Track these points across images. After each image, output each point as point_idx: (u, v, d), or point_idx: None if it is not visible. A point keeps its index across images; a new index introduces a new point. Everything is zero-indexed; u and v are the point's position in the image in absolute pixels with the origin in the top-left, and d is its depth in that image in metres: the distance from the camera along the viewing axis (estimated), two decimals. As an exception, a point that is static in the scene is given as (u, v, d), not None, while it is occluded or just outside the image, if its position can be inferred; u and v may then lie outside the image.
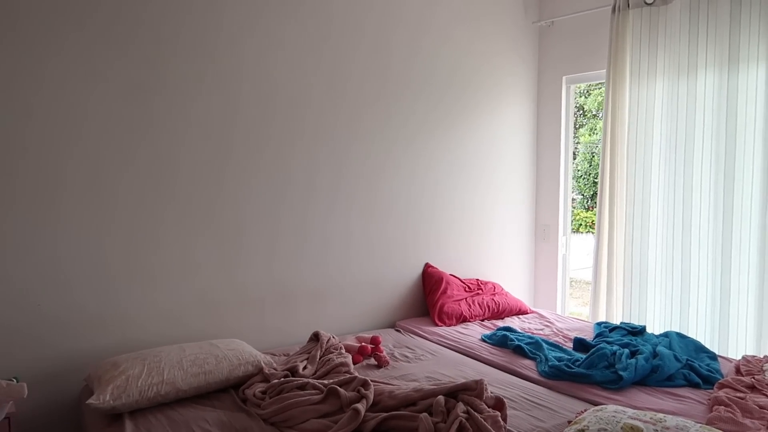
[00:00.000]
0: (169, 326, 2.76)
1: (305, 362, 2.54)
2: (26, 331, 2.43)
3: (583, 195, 11.79)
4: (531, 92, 4.12)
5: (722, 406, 2.07)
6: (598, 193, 3.61)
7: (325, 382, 2.23)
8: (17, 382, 2.25)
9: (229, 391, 2.38)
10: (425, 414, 1.91)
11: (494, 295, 3.63)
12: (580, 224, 11.40)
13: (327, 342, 2.70)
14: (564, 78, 3.99)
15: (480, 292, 3.64)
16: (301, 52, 3.07)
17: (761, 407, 2.05)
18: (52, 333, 2.49)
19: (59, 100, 2.44)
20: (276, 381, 2.28)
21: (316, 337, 2.77)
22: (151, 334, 2.72)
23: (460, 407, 1.94)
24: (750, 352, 3.04)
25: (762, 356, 2.60)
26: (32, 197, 2.41)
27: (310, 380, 2.25)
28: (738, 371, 2.47)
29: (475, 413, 1.91)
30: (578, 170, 11.65)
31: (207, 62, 2.78)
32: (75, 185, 2.50)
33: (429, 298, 3.53)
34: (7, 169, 2.36)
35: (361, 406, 2.00)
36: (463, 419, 1.88)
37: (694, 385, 2.38)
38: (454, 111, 3.72)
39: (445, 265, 3.75)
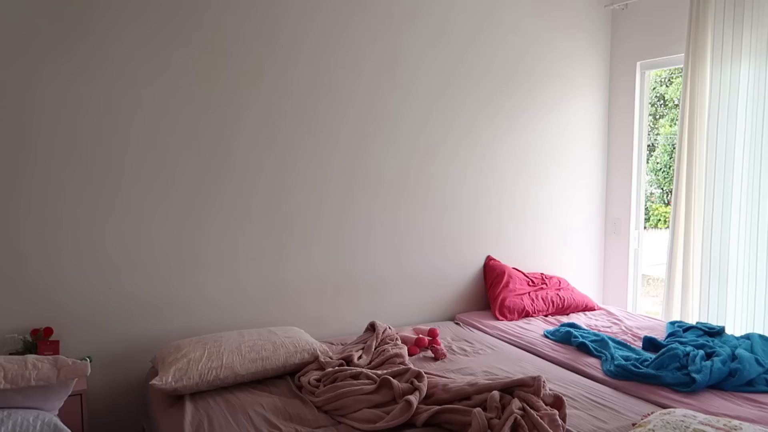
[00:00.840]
0: (228, 315, 2.84)
1: (360, 352, 2.53)
2: (98, 314, 2.56)
3: (662, 189, 11.22)
4: (603, 79, 3.93)
5: (809, 416, 1.89)
6: (674, 186, 3.40)
7: (379, 372, 2.22)
8: (90, 361, 2.39)
9: (286, 377, 2.41)
10: (479, 409, 1.86)
11: (559, 290, 3.50)
12: (659, 219, 10.86)
13: (383, 332, 2.68)
14: (638, 64, 3.78)
15: (544, 286, 3.52)
16: (367, 47, 3.06)
17: None
18: (121, 316, 2.61)
19: (119, 88, 2.54)
20: (330, 369, 2.29)
21: (372, 328, 2.77)
22: (213, 319, 2.80)
23: (516, 404, 1.87)
24: None
25: None
26: (99, 187, 2.54)
27: (364, 370, 2.25)
28: (829, 379, 2.26)
29: (531, 410, 1.84)
30: (657, 163, 11.09)
31: (269, 56, 2.82)
32: (142, 176, 2.61)
33: (490, 291, 3.45)
34: (73, 157, 2.48)
35: (414, 398, 1.98)
36: (518, 416, 1.81)
37: (778, 392, 2.20)
38: (521, 100, 3.60)
39: (507, 259, 3.65)
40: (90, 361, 2.39)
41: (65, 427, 1.66)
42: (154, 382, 2.15)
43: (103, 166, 2.54)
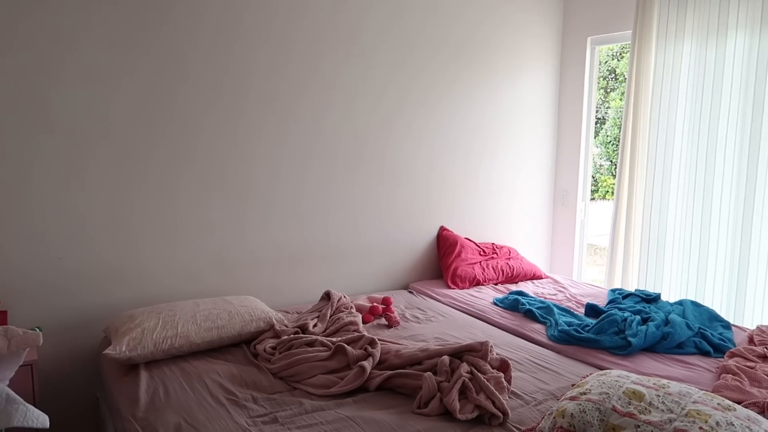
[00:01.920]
0: (185, 282, 2.83)
1: (315, 320, 2.58)
2: (48, 283, 2.52)
3: (611, 161, 11.56)
4: (554, 54, 4.01)
5: (730, 375, 2.06)
6: (619, 159, 3.54)
7: (334, 339, 2.28)
8: (40, 331, 2.35)
9: (241, 345, 2.44)
10: (429, 373, 1.94)
11: (509, 259, 3.63)
12: (607, 191, 11.22)
13: (338, 301, 2.74)
14: (589, 39, 3.87)
15: (495, 256, 3.63)
16: (318, 12, 3.02)
17: (770, 377, 2.03)
18: (73, 285, 2.57)
19: (89, 65, 2.47)
20: (286, 337, 2.33)
21: (327, 296, 2.81)
22: (168, 289, 2.79)
23: (464, 367, 1.96)
24: (766, 323, 3.00)
25: (777, 327, 2.56)
26: (57, 153, 2.47)
27: (319, 337, 2.30)
28: (751, 341, 2.45)
29: (479, 374, 1.93)
30: (608, 136, 11.39)
31: (236, 30, 2.77)
32: (102, 144, 2.55)
33: (443, 260, 3.54)
34: (36, 126, 2.41)
35: (367, 364, 2.04)
36: (467, 379, 1.90)
37: (705, 354, 2.37)
38: (474, 73, 3.64)
39: (460, 229, 3.74)
40: (40, 332, 2.37)
41: (17, 396, 1.66)
42: (108, 351, 2.14)
43: (50, 133, 2.46)
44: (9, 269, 2.43)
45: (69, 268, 2.55)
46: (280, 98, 2.98)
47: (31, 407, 1.64)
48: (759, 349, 2.28)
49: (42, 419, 1.64)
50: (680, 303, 2.84)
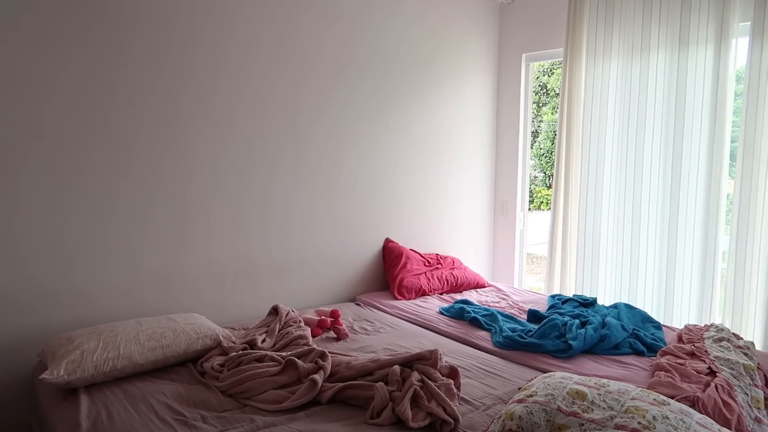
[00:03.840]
0: (125, 302, 2.73)
1: (264, 335, 2.56)
2: (-24, 306, 2.38)
3: (545, 173, 12.00)
4: (492, 70, 4.16)
5: (663, 372, 2.18)
6: (554, 170, 3.70)
7: (284, 354, 2.26)
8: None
9: (187, 364, 2.38)
10: (381, 383, 1.96)
11: (453, 269, 3.70)
12: (542, 201, 11.62)
13: (286, 315, 2.72)
14: (523, 56, 4.04)
15: (439, 266, 3.70)
16: (267, 30, 3.02)
17: (698, 372, 2.17)
18: (4, 308, 2.44)
19: (14, 78, 2.36)
20: (234, 354, 2.29)
21: (275, 311, 2.79)
22: (107, 309, 2.69)
23: (415, 376, 1.99)
24: (692, 322, 3.19)
25: (703, 325, 2.74)
26: (-21, 170, 2.34)
27: (269, 353, 2.28)
28: (680, 339, 2.60)
29: (429, 381, 1.97)
30: (540, 149, 11.83)
31: (170, 45, 2.72)
32: (29, 159, 2.43)
33: (389, 272, 3.58)
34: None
35: (319, 377, 2.04)
36: (418, 387, 1.93)
37: (639, 353, 2.50)
38: (416, 89, 3.73)
39: (405, 241, 3.80)
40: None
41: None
42: (45, 376, 2.04)
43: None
44: (-68, 293, 2.28)
45: (-1, 291, 2.42)
46: (219, 110, 2.95)
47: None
48: (687, 347, 2.43)
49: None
50: (615, 306, 2.99)
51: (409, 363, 2.10)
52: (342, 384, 2.03)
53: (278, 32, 3.09)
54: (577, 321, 2.68)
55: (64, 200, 2.54)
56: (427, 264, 3.68)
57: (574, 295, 3.22)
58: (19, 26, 2.37)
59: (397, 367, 2.04)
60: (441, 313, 3.13)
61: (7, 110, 2.37)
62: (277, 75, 3.11)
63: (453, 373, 2.09)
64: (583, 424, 1.62)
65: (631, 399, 1.72)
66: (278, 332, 2.58)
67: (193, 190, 2.89)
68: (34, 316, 2.51)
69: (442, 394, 1.90)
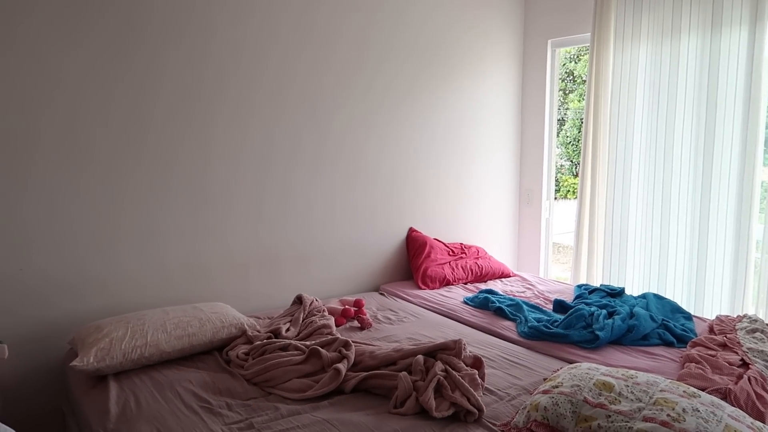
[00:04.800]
0: (152, 291, 2.78)
1: (288, 324, 2.57)
2: (9, 295, 2.44)
3: (572, 161, 11.83)
4: (516, 57, 4.09)
5: (693, 363, 2.13)
6: (581, 158, 3.63)
7: (307, 343, 2.27)
8: (1, 344, 2.28)
9: (213, 353, 2.41)
10: (404, 373, 1.96)
11: (477, 258, 3.67)
12: (568, 190, 11.47)
13: (310, 305, 2.73)
14: (549, 42, 3.96)
15: (463, 255, 3.68)
16: (286, 18, 3.01)
17: (730, 364, 2.12)
18: (35, 297, 2.50)
19: (33, 61, 2.40)
20: (259, 342, 2.31)
21: (299, 300, 2.80)
22: (135, 298, 2.73)
23: (439, 366, 1.98)
24: (724, 312, 3.12)
25: (735, 316, 2.67)
26: (10, 162, 2.39)
27: (293, 341, 2.29)
28: (711, 330, 2.54)
29: (453, 371, 1.95)
30: (567, 136, 11.66)
31: (190, 35, 2.73)
32: (56, 149, 2.48)
33: (413, 262, 3.56)
34: (-17, 132, 2.33)
35: (342, 366, 2.04)
36: (441, 377, 1.92)
37: (669, 344, 2.45)
38: (440, 77, 3.69)
39: (429, 230, 3.77)
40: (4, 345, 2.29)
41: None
42: (75, 363, 2.09)
43: (14, 140, 2.38)
44: (-33, 282, 2.35)
45: (31, 280, 2.48)
46: (239, 99, 2.95)
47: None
48: (719, 338, 2.37)
49: (8, 435, 1.59)
50: (643, 296, 2.93)
51: (433, 353, 2.09)
52: (365, 373, 2.03)
53: (296, 19, 3.07)
54: (604, 311, 2.64)
55: (93, 192, 2.58)
56: (451, 253, 3.65)
57: (601, 285, 3.16)
58: (37, 16, 2.40)
59: (420, 357, 2.03)
60: (465, 302, 3.11)
61: (31, 100, 2.41)
62: (296, 63, 3.10)
63: (477, 363, 2.07)
64: (610, 416, 1.59)
65: (660, 391, 1.69)
66: (302, 321, 2.60)
67: (217, 179, 2.91)
68: (64, 305, 2.56)
69: (466, 384, 1.89)
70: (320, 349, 2.16)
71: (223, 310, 2.53)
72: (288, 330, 2.52)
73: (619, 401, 1.67)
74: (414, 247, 3.61)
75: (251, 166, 3.01)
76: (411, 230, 3.68)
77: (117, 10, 2.55)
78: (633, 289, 3.49)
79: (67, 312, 2.58)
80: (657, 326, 2.54)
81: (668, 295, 3.30)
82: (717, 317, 2.63)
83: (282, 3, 3.00)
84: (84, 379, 2.20)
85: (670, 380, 1.80)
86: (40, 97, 2.43)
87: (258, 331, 2.48)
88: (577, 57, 11.19)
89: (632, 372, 1.86)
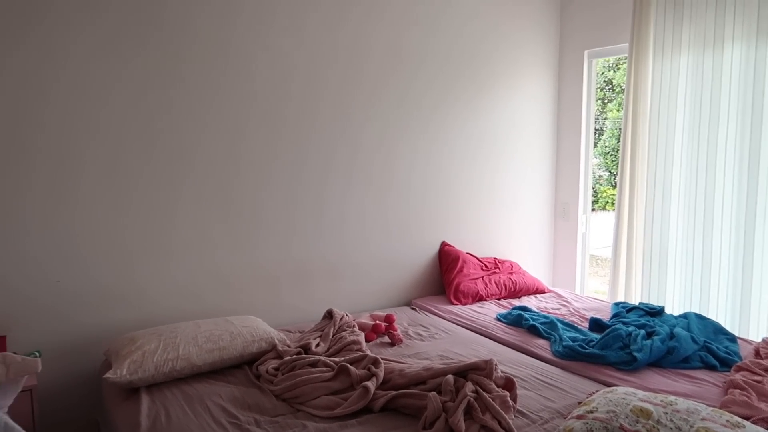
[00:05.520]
0: (184, 302, 2.81)
1: (318, 339, 2.56)
2: (47, 306, 2.50)
3: (610, 172, 11.58)
4: (552, 67, 4.03)
5: (737, 390, 2.03)
6: (619, 170, 3.54)
7: (337, 359, 2.26)
8: (39, 356, 2.34)
9: (243, 367, 2.42)
10: (434, 393, 1.92)
11: (511, 273, 3.61)
12: (607, 201, 11.22)
13: (340, 320, 2.72)
14: (586, 52, 3.89)
15: (497, 270, 3.62)
16: (317, 31, 3.04)
17: (778, 391, 2.01)
18: (72, 308, 2.56)
19: (80, 82, 2.47)
20: (288, 358, 2.31)
21: (329, 315, 2.79)
22: (168, 309, 2.77)
23: (469, 387, 1.94)
24: (772, 334, 2.98)
25: (783, 338, 2.54)
26: (50, 175, 2.46)
27: (322, 357, 2.28)
28: (757, 354, 2.42)
29: (484, 393, 1.91)
30: (606, 147, 11.42)
31: (225, 46, 2.78)
32: (93, 163, 2.55)
33: (445, 276, 3.52)
34: (27, 147, 2.40)
35: (371, 384, 2.02)
36: (472, 398, 1.88)
37: (711, 368, 2.35)
38: (472, 88, 3.66)
39: (461, 244, 3.73)
40: (39, 356, 2.34)
41: (15, 425, 1.63)
42: (109, 375, 2.12)
43: (57, 154, 2.46)
44: (7, 293, 2.42)
45: (67, 291, 2.54)
46: (277, 114, 2.98)
47: (30, 435, 1.62)
48: (766, 363, 2.26)
49: (42, 447, 1.62)
50: (684, 316, 2.83)
51: (463, 372, 2.05)
52: (395, 392, 2.00)
53: (328, 29, 3.09)
54: (642, 331, 2.55)
55: (126, 204, 2.64)
56: (484, 268, 3.60)
57: (639, 303, 3.06)
58: (84, 33, 2.47)
59: (450, 377, 1.99)
60: (498, 319, 3.05)
61: (70, 114, 2.48)
62: (328, 78, 3.11)
63: (509, 384, 2.02)
64: (647, 445, 1.52)
65: (702, 419, 1.61)
66: (332, 337, 2.59)
67: (249, 193, 2.94)
68: (100, 315, 2.62)
69: (497, 407, 1.84)
70: (349, 366, 2.14)
71: (253, 324, 2.54)
72: (318, 345, 2.51)
73: (658, 429, 1.60)
74: (446, 261, 3.56)
75: (283, 180, 3.03)
76: (443, 244, 3.64)
77: (159, 31, 2.61)
78: (673, 308, 3.36)
79: (103, 323, 2.63)
80: (699, 348, 2.44)
81: (711, 315, 3.17)
82: (763, 339, 2.51)
83: (314, 16, 3.03)
84: (117, 390, 2.23)
85: (712, 408, 1.72)
86: (88, 118, 2.51)
87: (288, 346, 2.48)
88: (616, 66, 10.97)
89: (672, 398, 1.78)
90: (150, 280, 2.72)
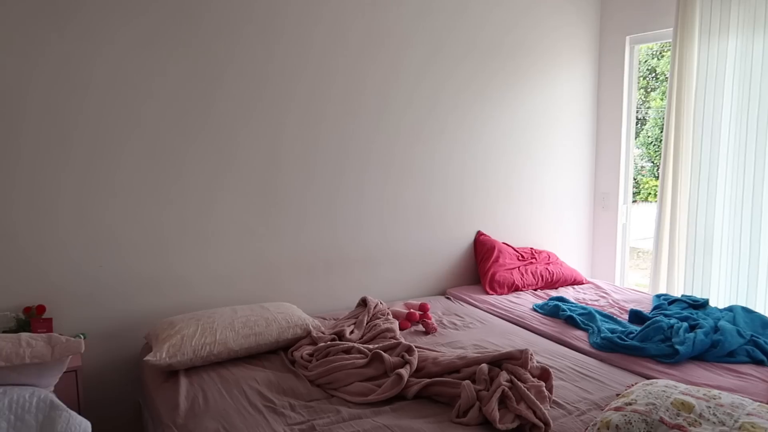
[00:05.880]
0: (221, 289, 2.86)
1: (352, 327, 2.57)
2: (91, 291, 2.58)
3: (653, 162, 11.26)
4: (592, 54, 3.93)
5: (786, 385, 1.96)
6: (662, 160, 3.43)
7: (370, 346, 2.26)
8: (84, 338, 2.41)
9: (279, 352, 2.45)
10: (468, 381, 1.91)
11: (548, 264, 3.55)
12: (650, 193, 10.93)
13: (375, 307, 2.72)
14: (627, 38, 3.77)
15: (533, 261, 3.56)
16: (353, 21, 3.03)
17: (830, 387, 1.93)
18: (114, 293, 2.63)
19: (121, 74, 2.53)
20: (323, 344, 2.33)
21: (364, 303, 2.80)
22: (205, 295, 2.83)
23: (504, 376, 1.92)
24: (824, 330, 2.84)
25: (837, 334, 2.43)
26: (91, 166, 2.53)
27: (356, 344, 2.29)
28: (808, 349, 2.32)
29: (519, 382, 1.89)
30: (648, 137, 11.11)
31: (267, 42, 2.80)
32: (133, 154, 2.60)
33: (480, 266, 3.49)
34: (67, 136, 2.47)
35: (405, 372, 2.02)
36: (506, 388, 1.86)
37: (758, 363, 2.26)
38: (510, 76, 3.59)
39: (497, 233, 3.68)
40: (84, 338, 2.42)
41: (61, 403, 1.69)
42: (149, 358, 2.17)
43: (100, 144, 2.53)
44: (53, 278, 2.50)
45: (110, 277, 2.61)
46: (317, 105, 2.99)
47: (74, 414, 1.67)
48: (817, 358, 2.16)
49: (84, 426, 1.67)
50: (730, 309, 2.73)
51: (498, 362, 2.03)
52: (428, 380, 1.99)
53: (367, 24, 3.08)
54: (685, 324, 2.47)
55: (165, 194, 2.69)
56: (520, 258, 3.55)
57: (682, 296, 2.97)
58: (128, 25, 2.52)
59: (485, 366, 1.97)
60: (534, 310, 3.00)
61: (111, 105, 2.54)
62: (367, 68, 3.11)
63: (545, 374, 1.99)
64: (689, 439, 1.48)
65: (747, 414, 1.56)
66: (366, 324, 2.59)
67: (288, 181, 2.96)
68: (140, 301, 2.69)
69: (532, 397, 1.81)
70: (383, 353, 2.14)
71: (289, 311, 2.56)
72: (352, 332, 2.52)
73: (699, 423, 1.55)
74: (482, 251, 3.53)
75: (320, 170, 3.04)
76: (479, 234, 3.61)
77: (199, 26, 2.64)
78: (718, 301, 3.25)
79: (143, 307, 2.70)
80: (745, 342, 2.35)
81: (758, 309, 3.05)
82: (815, 334, 2.41)
83: (353, 6, 3.02)
84: (157, 373, 2.29)
85: (758, 403, 1.65)
86: (130, 109, 2.57)
87: (322, 333, 2.50)
88: (660, 53, 10.64)
89: (715, 392, 1.73)
90: (187, 268, 2.77)
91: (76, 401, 2.26)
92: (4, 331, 2.37)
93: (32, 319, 2.39)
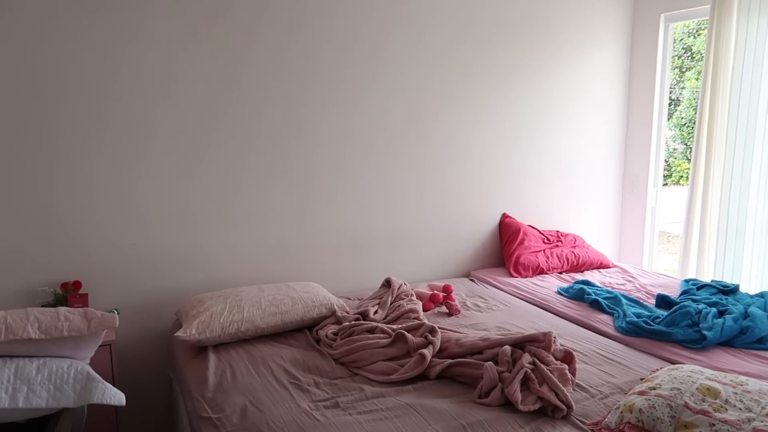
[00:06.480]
0: (248, 268, 2.91)
1: (376, 307, 2.60)
2: (124, 268, 2.65)
3: (686, 145, 10.99)
4: (624, 32, 3.83)
5: (817, 373, 1.92)
6: (694, 142, 3.35)
7: (394, 327, 2.29)
8: (118, 314, 2.49)
9: (304, 331, 2.49)
10: (490, 363, 1.92)
11: (574, 247, 3.52)
12: (681, 176, 10.69)
13: (398, 288, 2.74)
14: (662, 16, 3.67)
15: (559, 244, 3.54)
16: (383, 4, 3.02)
17: None
18: (146, 270, 2.70)
19: (151, 53, 2.57)
20: (347, 324, 2.36)
21: (388, 284, 2.82)
22: (233, 274, 2.88)
23: (526, 358, 1.92)
24: None
25: None
26: (125, 145, 2.58)
27: (380, 324, 2.31)
28: (841, 337, 2.27)
29: (542, 365, 1.89)
30: (682, 118, 10.82)
31: (293, 22, 2.80)
32: (164, 134, 2.65)
33: (505, 248, 3.48)
34: (101, 118, 2.53)
35: (428, 352, 2.04)
36: (529, 370, 1.87)
37: (788, 350, 2.22)
38: (538, 55, 3.53)
39: (523, 216, 3.66)
40: (117, 314, 2.50)
41: (97, 375, 1.76)
42: (179, 334, 2.24)
43: (133, 125, 2.58)
44: (89, 256, 2.58)
45: (142, 255, 2.68)
46: (342, 84, 2.99)
47: (108, 385, 1.74)
48: None
49: (119, 397, 1.74)
50: (761, 295, 2.68)
51: (521, 344, 2.03)
52: (451, 360, 2.01)
53: (399, 7, 3.05)
54: (714, 309, 2.44)
55: (194, 174, 2.74)
56: (546, 241, 3.53)
57: (712, 281, 2.92)
58: (156, 3, 2.55)
59: (507, 348, 1.98)
60: (559, 293, 2.99)
61: (141, 84, 2.58)
62: (389, 47, 3.09)
63: (568, 357, 1.99)
64: (714, 425, 1.47)
65: (774, 402, 1.54)
66: (390, 305, 2.62)
67: (316, 161, 2.99)
68: (170, 278, 2.76)
69: (555, 379, 1.82)
70: (406, 333, 2.17)
71: (314, 290, 2.60)
72: (376, 312, 2.55)
73: (726, 409, 1.54)
74: (507, 233, 3.51)
75: (349, 150, 3.06)
76: (504, 216, 3.59)
77: (227, 9, 2.67)
78: (749, 287, 3.19)
79: (173, 285, 2.77)
80: (776, 329, 2.31)
81: (791, 295, 2.99)
82: None
83: (377, -14, 3.00)
84: (187, 348, 2.35)
85: (787, 390, 1.63)
86: (158, 88, 2.61)
87: (347, 312, 2.54)
88: (696, 32, 10.31)
89: (743, 378, 1.71)
90: (215, 246, 2.83)
91: (111, 374, 2.34)
92: (42, 305, 2.46)
93: (69, 294, 2.47)
